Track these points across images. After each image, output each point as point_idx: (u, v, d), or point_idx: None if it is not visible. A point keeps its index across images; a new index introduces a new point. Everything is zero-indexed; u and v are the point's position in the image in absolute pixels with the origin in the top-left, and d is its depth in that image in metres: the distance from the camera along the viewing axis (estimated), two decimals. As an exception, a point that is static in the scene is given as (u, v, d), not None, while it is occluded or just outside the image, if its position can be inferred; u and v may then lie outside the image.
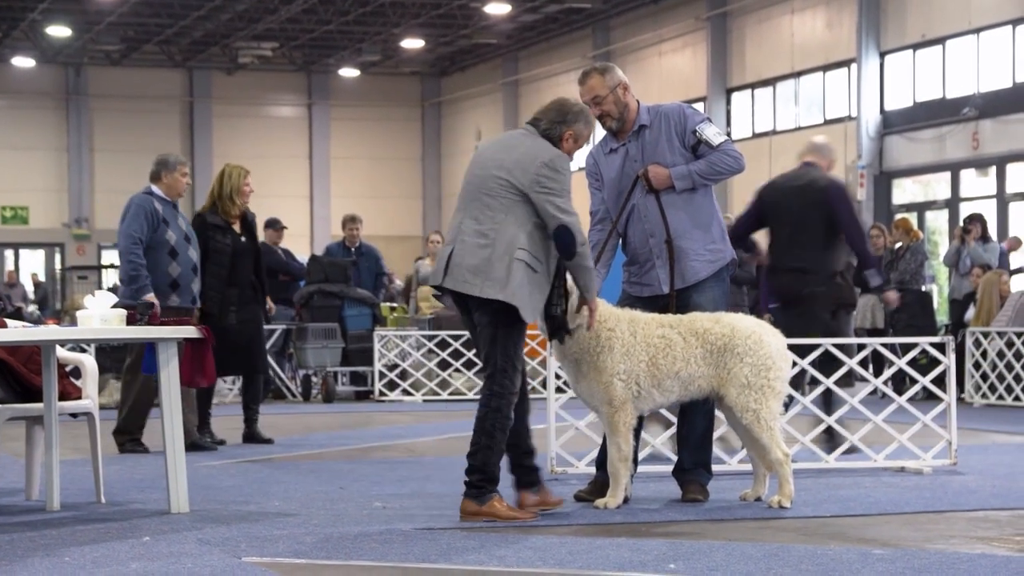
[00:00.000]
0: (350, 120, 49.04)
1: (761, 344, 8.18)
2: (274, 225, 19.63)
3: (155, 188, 11.87)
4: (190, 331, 8.29)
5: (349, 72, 47.68)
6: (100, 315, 8.02)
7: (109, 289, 12.01)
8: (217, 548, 6.90)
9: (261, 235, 19.64)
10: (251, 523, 7.71)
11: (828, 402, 10.47)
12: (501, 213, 7.75)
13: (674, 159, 8.53)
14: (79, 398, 8.77)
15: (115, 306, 7.99)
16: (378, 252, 20.17)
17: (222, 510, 8.25)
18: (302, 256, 21.35)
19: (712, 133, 8.53)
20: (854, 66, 31.39)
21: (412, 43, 43.36)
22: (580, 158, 8.44)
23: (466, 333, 17.93)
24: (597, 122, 8.49)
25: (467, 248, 7.75)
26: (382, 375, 18.45)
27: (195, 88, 47.53)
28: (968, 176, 29.64)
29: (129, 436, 11.83)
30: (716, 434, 9.02)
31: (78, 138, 46.43)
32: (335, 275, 18.83)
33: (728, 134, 35.98)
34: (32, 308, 37.89)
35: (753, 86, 35.31)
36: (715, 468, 8.88)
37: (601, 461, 8.50)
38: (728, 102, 36.13)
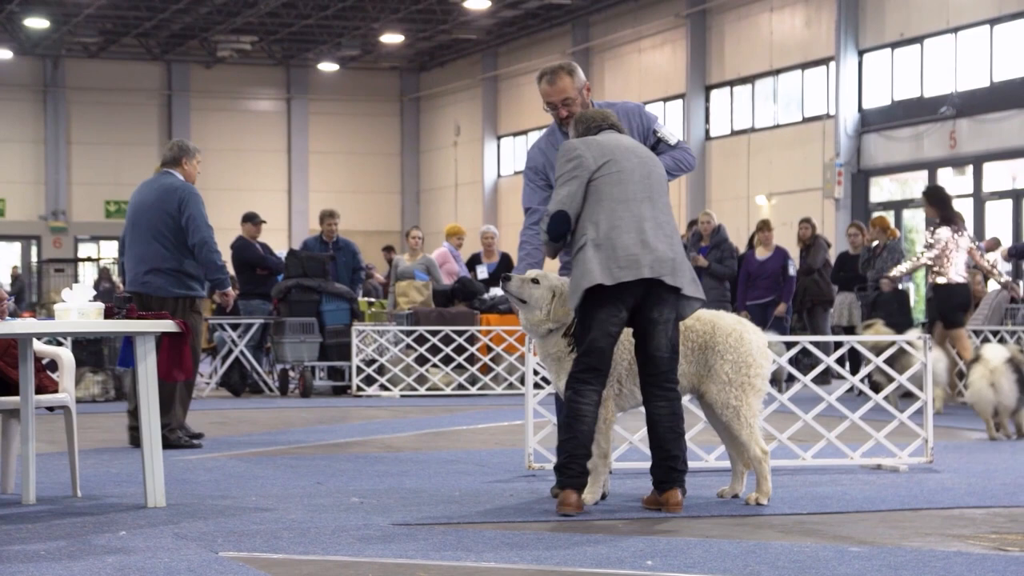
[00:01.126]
0: (329, 115, 48.96)
1: (742, 341, 8.20)
2: (252, 219, 19.62)
3: (176, 173, 11.86)
4: (168, 325, 8.28)
5: (328, 67, 47.62)
6: (78, 308, 8.00)
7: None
8: (194, 542, 6.89)
9: (239, 229, 19.74)
10: (228, 518, 7.70)
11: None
12: (667, 206, 8.05)
13: None
14: (56, 392, 8.75)
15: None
16: (356, 247, 20.14)
17: (199, 505, 8.23)
18: (280, 250, 21.31)
19: (669, 132, 8.65)
20: (832, 64, 31.45)
21: (391, 38, 43.32)
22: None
23: (444, 328, 18.03)
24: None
25: (660, 240, 7.84)
26: (360, 370, 18.43)
27: (173, 81, 47.40)
28: (945, 175, 29.72)
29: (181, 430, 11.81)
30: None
31: (55, 130, 46.26)
32: (313, 270, 18.81)
33: (707, 131, 36.13)
34: (9, 301, 37.69)
35: (732, 83, 35.36)
36: (693, 465, 8.89)
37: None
38: (707, 99, 36.17)
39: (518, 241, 8.57)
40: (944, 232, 15.62)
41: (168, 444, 11.05)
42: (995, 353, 12.52)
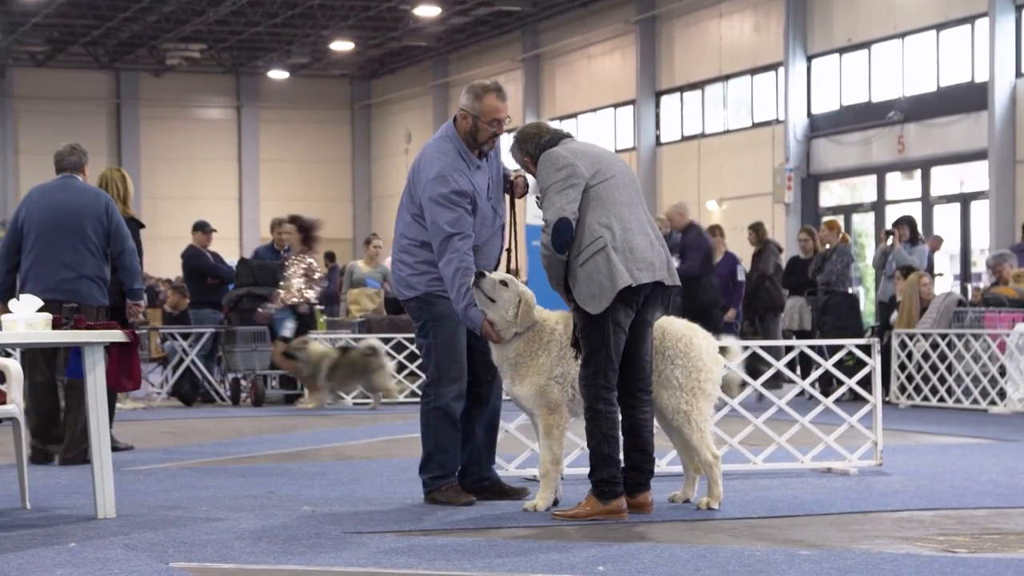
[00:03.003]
0: (279, 122, 48.84)
1: (692, 347, 8.24)
2: (203, 228, 19.51)
3: (79, 178, 11.35)
4: (116, 335, 8.23)
5: (278, 74, 47.49)
6: (25, 319, 7.95)
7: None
8: (144, 554, 6.85)
9: (189, 238, 19.64)
10: (179, 528, 7.66)
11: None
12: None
13: (499, 174, 8.71)
14: (3, 403, 8.68)
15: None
16: (307, 255, 20.05)
17: (149, 515, 8.19)
18: (231, 259, 21.22)
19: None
20: (781, 70, 31.61)
21: (341, 45, 43.25)
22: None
23: (396, 336, 17.99)
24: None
25: (657, 241, 8.07)
26: (312, 378, 18.35)
27: (122, 90, 47.17)
28: (894, 179, 29.94)
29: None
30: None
31: (3, 140, 45.94)
32: (264, 278, 18.72)
33: (657, 137, 36.26)
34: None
35: (682, 89, 35.49)
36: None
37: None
38: (657, 105, 36.28)
39: (452, 269, 8.29)
40: None
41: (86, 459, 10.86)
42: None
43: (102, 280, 11.16)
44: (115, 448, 11.42)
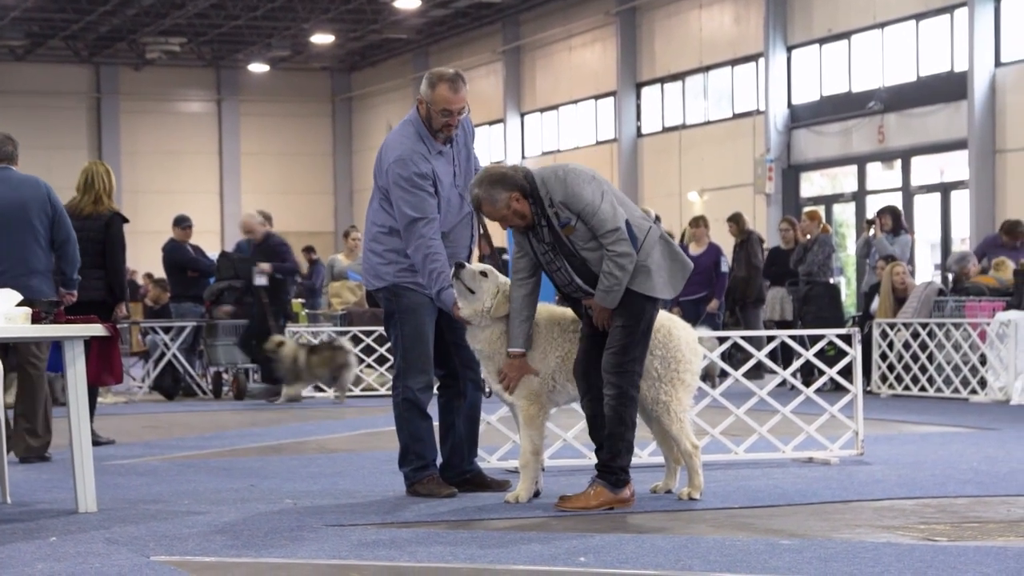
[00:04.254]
0: (260, 116, 48.73)
1: (670, 337, 8.25)
2: (182, 222, 19.46)
3: (14, 168, 10.95)
4: (96, 329, 8.21)
5: (258, 67, 47.38)
6: (4, 314, 7.92)
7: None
8: (125, 547, 6.84)
9: (170, 232, 19.60)
10: (160, 522, 7.65)
11: None
12: None
13: (469, 163, 8.70)
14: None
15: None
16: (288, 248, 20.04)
17: (130, 509, 8.18)
18: (212, 253, 21.18)
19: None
20: (762, 60, 31.63)
21: (322, 38, 43.15)
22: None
23: (377, 328, 17.96)
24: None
25: None
26: (294, 372, 18.34)
27: (102, 84, 47.01)
28: (874, 169, 29.97)
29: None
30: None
31: (-18, 135, 45.74)
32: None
33: (638, 128, 36.27)
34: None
35: (662, 80, 35.48)
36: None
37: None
38: (638, 96, 36.28)
39: (421, 255, 8.32)
40: None
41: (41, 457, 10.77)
42: None
43: (50, 273, 10.91)
44: (96, 442, 11.44)
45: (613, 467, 7.91)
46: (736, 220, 20.72)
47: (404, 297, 8.51)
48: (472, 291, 8.18)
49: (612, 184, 8.11)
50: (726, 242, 21.33)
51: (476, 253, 8.79)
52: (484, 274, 8.23)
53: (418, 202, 8.37)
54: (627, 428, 7.92)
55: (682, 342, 8.29)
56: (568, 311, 8.31)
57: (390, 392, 8.96)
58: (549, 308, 8.29)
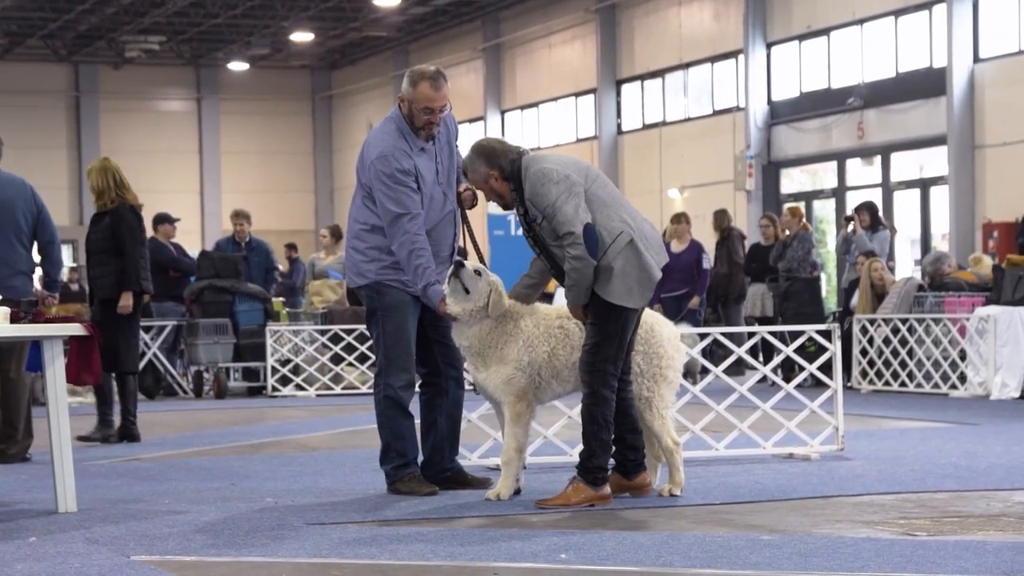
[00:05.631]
0: (240, 114, 48.66)
1: (653, 334, 8.26)
2: (167, 219, 19.41)
3: None
4: (75, 328, 8.19)
5: (238, 66, 47.31)
6: (-17, 314, 7.90)
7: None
8: (105, 547, 6.83)
9: (151, 230, 19.54)
10: (140, 521, 7.64)
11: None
12: None
13: (452, 160, 8.67)
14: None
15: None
16: (268, 247, 20.06)
17: (111, 509, 8.16)
18: (193, 252, 21.14)
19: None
20: (741, 57, 31.69)
21: (301, 36, 43.11)
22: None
23: (358, 327, 17.96)
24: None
25: (652, 228, 8.21)
26: (275, 370, 18.35)
27: (81, 83, 46.89)
28: (854, 165, 30.06)
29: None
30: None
31: (-39, 134, 45.62)
32: (226, 270, 18.69)
33: (618, 126, 36.30)
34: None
35: (643, 78, 35.52)
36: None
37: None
38: (618, 94, 36.31)
39: (406, 251, 8.32)
40: None
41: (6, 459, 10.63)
42: None
43: (32, 272, 10.88)
44: (132, 437, 11.51)
45: (590, 466, 7.92)
46: (720, 216, 20.77)
47: (386, 295, 8.51)
48: (468, 291, 8.16)
49: (607, 182, 8.06)
50: (708, 239, 21.36)
51: (472, 252, 8.72)
52: (479, 273, 8.22)
53: (401, 198, 8.37)
54: (600, 427, 7.92)
55: (664, 339, 8.30)
56: (553, 309, 8.32)
57: (371, 390, 8.95)
58: (534, 306, 8.28)
